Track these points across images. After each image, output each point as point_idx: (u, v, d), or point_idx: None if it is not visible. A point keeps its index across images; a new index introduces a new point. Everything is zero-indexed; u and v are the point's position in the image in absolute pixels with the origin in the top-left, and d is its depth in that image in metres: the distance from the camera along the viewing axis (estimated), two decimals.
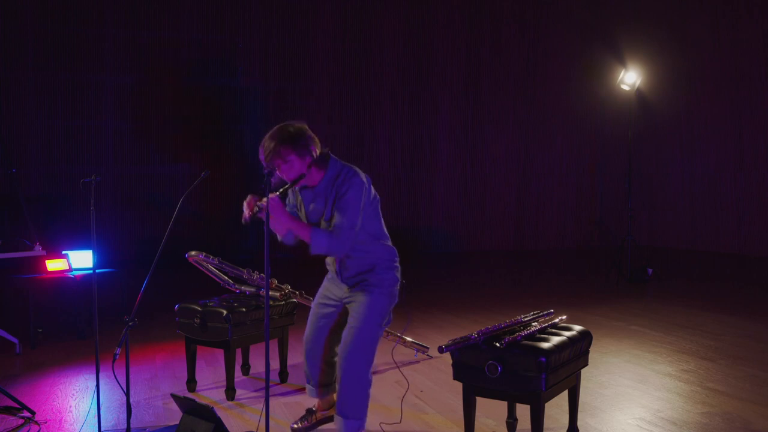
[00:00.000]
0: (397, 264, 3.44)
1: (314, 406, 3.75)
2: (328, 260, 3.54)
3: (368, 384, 3.32)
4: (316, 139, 3.28)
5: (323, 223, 3.32)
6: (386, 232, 3.46)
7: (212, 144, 12.21)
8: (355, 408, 3.29)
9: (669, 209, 14.06)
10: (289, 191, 3.38)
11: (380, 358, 5.19)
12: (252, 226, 3.40)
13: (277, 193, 3.13)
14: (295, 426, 3.67)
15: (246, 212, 3.12)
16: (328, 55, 13.03)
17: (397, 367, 4.69)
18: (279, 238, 3.40)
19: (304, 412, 3.80)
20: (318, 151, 3.26)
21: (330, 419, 3.71)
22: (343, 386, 3.30)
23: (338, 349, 3.37)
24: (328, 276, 3.58)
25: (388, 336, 5.10)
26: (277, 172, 3.21)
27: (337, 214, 3.19)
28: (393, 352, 4.76)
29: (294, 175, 3.20)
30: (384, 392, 4.41)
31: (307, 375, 3.63)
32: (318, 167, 3.25)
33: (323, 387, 3.62)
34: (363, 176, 3.28)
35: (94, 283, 3.61)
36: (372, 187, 3.35)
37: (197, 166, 11.84)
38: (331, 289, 3.53)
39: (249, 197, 3.15)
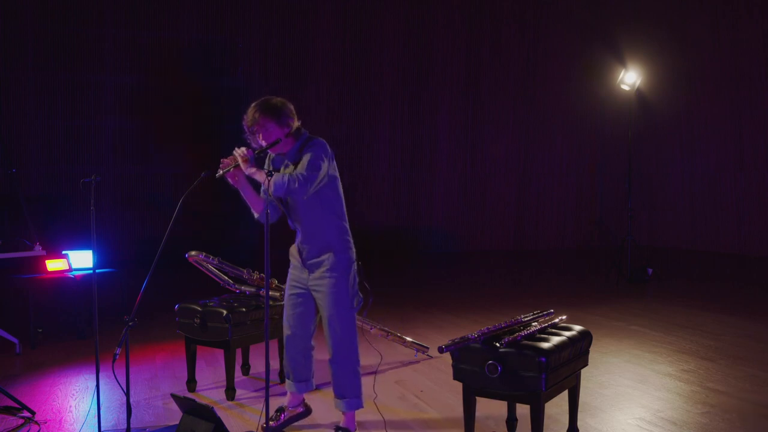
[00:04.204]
0: (352, 245, 3.65)
1: (284, 404, 3.83)
2: (292, 250, 3.71)
3: (357, 363, 3.58)
4: (294, 113, 3.62)
5: None
6: (345, 214, 3.65)
7: (212, 144, 12.19)
8: (352, 387, 3.56)
9: (669, 209, 14.05)
10: (265, 160, 3.70)
11: (379, 358, 5.19)
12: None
13: (255, 151, 3.49)
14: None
15: (221, 168, 3.45)
16: (328, 55, 13.02)
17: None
18: (256, 216, 3.61)
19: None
20: (295, 124, 3.59)
21: (299, 416, 3.80)
22: (336, 372, 3.56)
23: (326, 340, 3.58)
24: (292, 265, 3.74)
25: (388, 336, 5.10)
26: (258, 138, 3.53)
27: (300, 165, 3.45)
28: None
29: (272, 140, 3.51)
30: (384, 392, 4.41)
31: (287, 369, 3.74)
32: (293, 138, 3.57)
33: (303, 382, 3.74)
34: (328, 147, 3.54)
35: (94, 283, 3.61)
36: (335, 162, 3.59)
37: (197, 166, 11.82)
38: (296, 274, 3.71)
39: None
